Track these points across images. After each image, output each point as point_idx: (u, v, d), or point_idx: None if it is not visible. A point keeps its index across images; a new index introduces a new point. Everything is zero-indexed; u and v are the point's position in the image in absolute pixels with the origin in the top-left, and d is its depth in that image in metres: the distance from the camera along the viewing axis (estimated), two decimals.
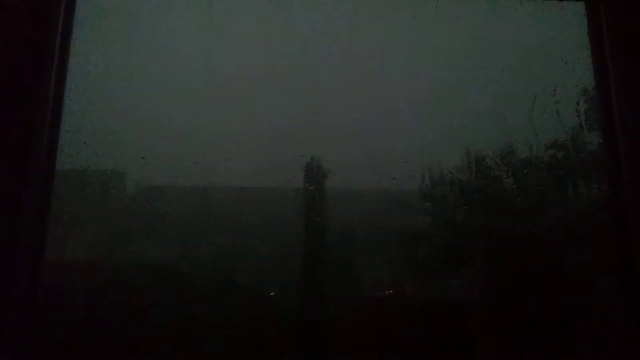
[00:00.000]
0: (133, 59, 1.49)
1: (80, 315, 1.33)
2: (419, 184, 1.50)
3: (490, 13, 1.51)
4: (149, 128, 1.47)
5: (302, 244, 1.49)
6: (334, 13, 1.59)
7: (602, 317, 1.31)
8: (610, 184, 1.23)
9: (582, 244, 1.43)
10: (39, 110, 1.17)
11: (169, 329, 1.39)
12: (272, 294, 1.52)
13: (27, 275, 1.12)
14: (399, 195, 1.52)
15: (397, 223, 1.54)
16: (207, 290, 1.50)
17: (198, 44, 1.55)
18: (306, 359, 1.42)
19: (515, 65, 1.49)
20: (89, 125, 1.40)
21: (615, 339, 1.23)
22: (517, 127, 1.46)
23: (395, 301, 1.50)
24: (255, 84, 1.54)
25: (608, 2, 1.28)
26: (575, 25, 1.37)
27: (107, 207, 1.50)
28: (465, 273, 1.48)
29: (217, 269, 1.53)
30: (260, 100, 1.54)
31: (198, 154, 1.48)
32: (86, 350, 1.30)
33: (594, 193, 1.45)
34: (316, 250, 1.49)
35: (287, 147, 1.51)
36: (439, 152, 1.49)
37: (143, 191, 1.54)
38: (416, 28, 1.55)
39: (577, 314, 1.35)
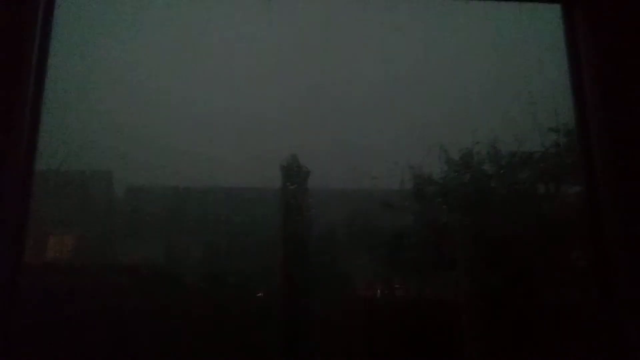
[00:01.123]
0: (113, 60, 1.47)
1: (61, 317, 1.32)
2: (400, 184, 1.50)
3: (468, 15, 1.52)
4: (129, 130, 1.46)
5: (288, 244, 1.49)
6: (317, 13, 1.59)
7: (581, 313, 1.33)
8: (586, 183, 1.25)
9: (562, 242, 1.45)
10: (17, 112, 1.15)
11: (155, 329, 1.38)
12: (259, 294, 1.52)
13: (6, 278, 1.11)
14: (381, 195, 1.53)
15: (380, 223, 1.55)
16: (193, 291, 1.49)
17: (179, 47, 1.53)
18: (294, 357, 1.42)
19: (493, 67, 1.51)
20: (68, 126, 1.38)
21: (594, 333, 1.25)
22: (495, 128, 1.48)
23: (380, 300, 1.50)
24: (238, 85, 1.54)
25: (583, 5, 1.30)
26: (551, 27, 1.40)
27: (89, 208, 1.49)
28: (450, 272, 1.50)
29: (202, 269, 1.53)
30: (242, 102, 1.54)
31: (180, 155, 1.47)
32: (67, 353, 1.29)
33: (571, 192, 1.47)
34: (301, 250, 1.49)
35: (269, 147, 1.51)
36: (418, 153, 1.50)
37: (125, 192, 1.53)
38: (395, 28, 1.56)
39: (559, 311, 1.37)
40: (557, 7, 1.37)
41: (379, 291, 1.53)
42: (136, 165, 1.46)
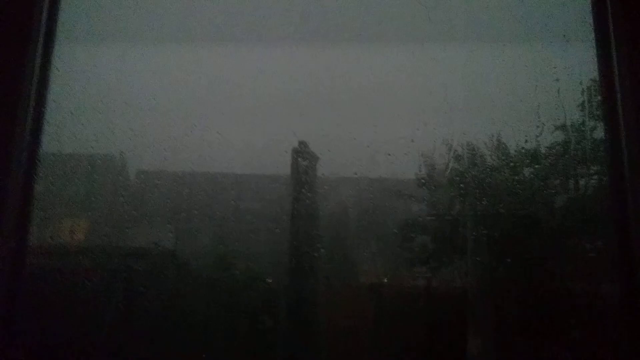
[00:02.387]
0: (122, 40, 1.45)
1: (68, 301, 1.31)
2: (415, 172, 1.46)
3: None
4: (141, 114, 1.45)
5: (297, 231, 1.47)
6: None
7: (602, 306, 1.29)
8: (610, 166, 1.19)
9: (582, 233, 1.40)
10: (22, 92, 1.13)
11: (163, 313, 1.37)
12: (269, 280, 1.51)
13: (10, 260, 1.10)
14: (393, 183, 1.49)
15: (391, 210, 1.51)
16: (202, 276, 1.48)
17: (190, 31, 1.51)
18: (300, 346, 1.41)
19: (515, 43, 1.45)
20: (78, 107, 1.36)
21: (615, 328, 1.20)
22: (517, 109, 1.42)
23: (388, 287, 1.48)
24: (249, 69, 1.51)
25: None
26: (579, 2, 1.33)
27: (99, 191, 1.48)
28: (460, 261, 1.46)
29: (212, 255, 1.52)
30: (253, 87, 1.51)
31: (190, 140, 1.45)
32: (74, 336, 1.29)
33: (596, 179, 1.42)
34: (311, 237, 1.47)
35: (280, 134, 1.48)
36: (434, 139, 1.45)
37: (136, 175, 1.52)
38: (412, 6, 1.51)
39: (575, 303, 1.33)
40: None
41: (386, 279, 1.50)
42: (147, 149, 1.45)
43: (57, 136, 1.30)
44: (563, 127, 1.40)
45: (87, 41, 1.37)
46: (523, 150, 1.42)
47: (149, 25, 1.48)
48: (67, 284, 1.33)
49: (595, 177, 1.41)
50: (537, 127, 1.39)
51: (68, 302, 1.30)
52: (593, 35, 1.26)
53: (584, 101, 1.38)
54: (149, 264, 1.44)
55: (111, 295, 1.35)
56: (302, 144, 1.48)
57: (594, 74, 1.28)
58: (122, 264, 1.42)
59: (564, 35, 1.38)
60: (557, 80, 1.38)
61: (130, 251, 1.46)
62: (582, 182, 1.44)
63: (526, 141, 1.41)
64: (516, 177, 1.45)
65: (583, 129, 1.38)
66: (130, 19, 1.46)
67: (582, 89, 1.36)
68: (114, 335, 1.31)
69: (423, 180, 1.47)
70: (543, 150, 1.41)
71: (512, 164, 1.44)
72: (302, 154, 1.48)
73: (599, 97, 1.26)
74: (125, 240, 1.47)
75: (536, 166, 1.42)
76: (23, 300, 1.15)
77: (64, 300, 1.30)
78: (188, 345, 1.34)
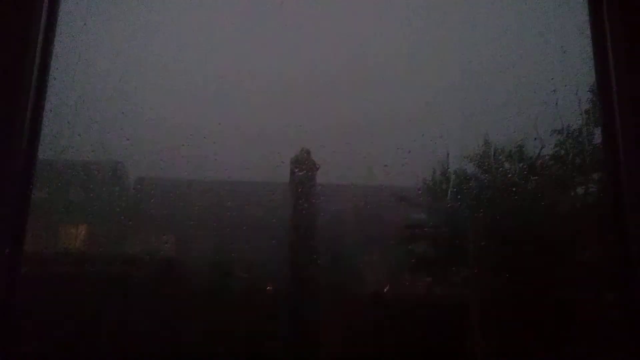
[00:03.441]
0: (119, 50, 1.45)
1: (65, 308, 1.31)
2: (417, 180, 1.46)
3: (490, 2, 1.47)
4: (141, 121, 1.44)
5: (297, 238, 1.47)
6: (327, 3, 1.55)
7: (603, 310, 1.28)
8: (609, 173, 1.19)
9: (583, 239, 1.40)
10: (20, 96, 1.13)
11: (163, 321, 1.37)
12: (269, 288, 1.51)
13: (7, 268, 1.09)
14: (393, 191, 1.49)
15: (391, 218, 1.51)
16: (201, 283, 1.48)
17: (189, 37, 1.51)
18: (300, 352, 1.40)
19: (514, 54, 1.45)
20: (77, 115, 1.36)
21: (615, 331, 1.20)
22: (515, 120, 1.42)
23: (389, 296, 1.47)
24: (249, 78, 1.51)
25: None
26: (577, 13, 1.33)
27: (98, 199, 1.48)
28: (461, 269, 1.46)
29: (211, 263, 1.51)
30: (253, 94, 1.51)
31: (190, 147, 1.45)
32: (72, 343, 1.28)
33: (594, 186, 1.42)
34: (310, 244, 1.46)
35: (281, 142, 1.48)
36: (431, 150, 1.45)
37: (135, 183, 1.52)
38: (412, 16, 1.51)
39: (578, 309, 1.33)
40: None
41: (388, 287, 1.50)
42: (144, 157, 1.45)
43: (54, 145, 1.29)
44: (561, 137, 1.40)
45: (84, 51, 1.37)
46: (522, 165, 1.42)
47: (145, 36, 1.49)
48: (64, 291, 1.32)
49: (594, 185, 1.41)
50: (535, 138, 1.39)
51: (65, 310, 1.30)
52: (591, 47, 1.26)
53: (581, 112, 1.38)
54: (147, 272, 1.44)
55: (109, 303, 1.35)
56: (303, 151, 1.48)
57: (592, 85, 1.28)
58: (120, 272, 1.41)
59: (562, 47, 1.38)
60: (555, 91, 1.39)
61: (128, 259, 1.46)
62: (580, 190, 1.44)
63: (523, 156, 1.41)
64: (514, 188, 1.45)
65: (581, 139, 1.39)
66: (127, 30, 1.47)
67: (580, 100, 1.37)
68: (111, 344, 1.31)
69: (420, 191, 1.47)
70: (541, 161, 1.41)
71: (509, 174, 1.44)
72: (301, 162, 1.48)
73: (597, 108, 1.26)
74: (123, 248, 1.47)
75: (534, 178, 1.42)
76: (19, 309, 1.14)
77: (61, 309, 1.30)
78: (186, 353, 1.34)
